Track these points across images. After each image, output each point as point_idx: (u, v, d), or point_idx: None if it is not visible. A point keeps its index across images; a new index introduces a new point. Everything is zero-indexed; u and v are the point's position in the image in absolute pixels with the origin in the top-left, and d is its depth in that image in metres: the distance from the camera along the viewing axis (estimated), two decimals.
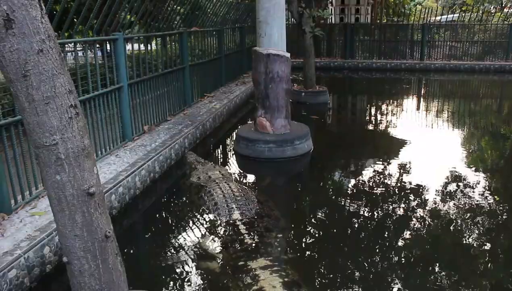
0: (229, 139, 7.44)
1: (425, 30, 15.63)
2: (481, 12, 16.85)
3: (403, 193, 4.90)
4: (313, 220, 4.34)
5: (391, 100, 11.43)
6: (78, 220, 1.95)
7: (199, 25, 9.02)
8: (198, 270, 3.37)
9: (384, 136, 7.69)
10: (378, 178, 5.37)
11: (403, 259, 3.56)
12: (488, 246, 3.73)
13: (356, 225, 4.18)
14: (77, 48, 4.86)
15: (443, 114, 9.41)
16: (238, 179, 5.34)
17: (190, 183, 4.95)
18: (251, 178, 5.65)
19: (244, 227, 3.80)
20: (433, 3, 24.80)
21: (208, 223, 4.07)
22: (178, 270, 3.38)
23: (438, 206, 4.52)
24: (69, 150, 1.85)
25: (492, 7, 19.61)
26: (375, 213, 4.41)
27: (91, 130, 4.75)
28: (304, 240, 3.89)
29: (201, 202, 4.41)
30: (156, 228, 4.27)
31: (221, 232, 3.84)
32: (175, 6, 7.95)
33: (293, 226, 4.18)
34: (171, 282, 3.25)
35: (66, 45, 5.63)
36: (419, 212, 4.39)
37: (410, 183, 5.14)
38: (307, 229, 4.11)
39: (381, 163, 5.98)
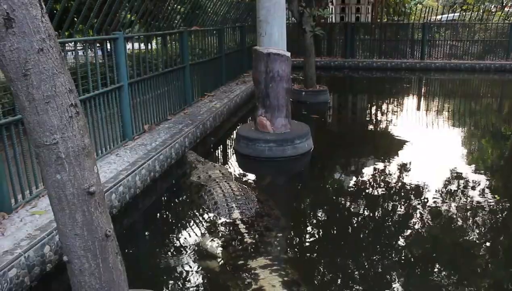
0: (229, 138, 7.44)
1: (425, 29, 15.62)
2: (481, 11, 16.84)
3: (403, 192, 4.90)
4: (313, 219, 4.35)
5: (392, 100, 11.43)
6: (79, 219, 1.95)
7: (200, 24, 9.02)
8: (198, 269, 3.37)
9: (384, 136, 7.69)
10: (379, 177, 5.37)
11: (403, 259, 3.57)
12: (488, 246, 3.73)
13: (356, 225, 4.18)
14: (78, 47, 4.86)
15: (443, 114, 9.41)
16: (238, 178, 5.34)
17: (190, 182, 4.96)
18: (251, 177, 5.65)
19: (244, 226, 3.81)
20: (434, 2, 24.79)
21: (208, 222, 4.07)
22: (178, 269, 3.38)
23: (438, 205, 4.52)
24: (69, 149, 1.85)
25: (492, 6, 19.59)
26: (375, 212, 4.41)
27: (92, 129, 4.75)
28: (304, 239, 3.89)
29: (201, 201, 4.42)
30: (156, 227, 4.28)
31: (221, 231, 3.84)
32: (175, 5, 7.95)
33: (293, 225, 4.18)
34: (171, 281, 3.25)
35: (67, 44, 5.64)
36: (419, 211, 4.39)
37: (410, 183, 5.14)
38: (307, 229, 4.11)
39: (381, 162, 5.98)
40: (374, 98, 11.80)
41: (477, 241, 3.82)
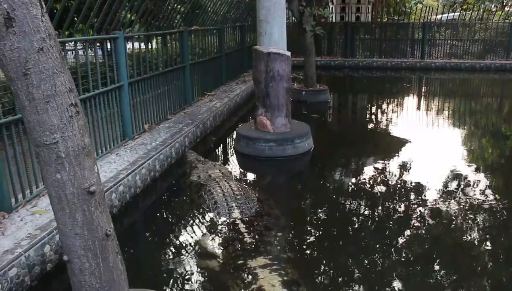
0: (229, 138, 7.44)
1: (425, 28, 15.61)
2: (481, 10, 16.83)
3: (403, 191, 4.90)
4: (313, 219, 4.35)
5: (392, 99, 11.43)
6: (79, 219, 1.95)
7: (200, 24, 9.01)
8: (198, 269, 3.37)
9: (384, 135, 7.69)
10: (379, 177, 5.37)
11: (403, 258, 3.56)
12: (488, 245, 3.73)
13: (356, 224, 4.18)
14: (78, 47, 4.86)
15: (443, 113, 9.40)
16: (238, 178, 5.34)
17: (190, 181, 4.96)
18: (251, 176, 5.65)
19: (244, 226, 3.81)
20: (434, 2, 24.77)
21: (208, 222, 4.07)
22: (177, 269, 3.38)
23: (438, 204, 4.52)
24: (69, 149, 1.86)
25: (493, 6, 19.59)
26: (375, 211, 4.41)
27: (92, 129, 4.75)
28: (303, 239, 3.89)
29: (201, 201, 4.42)
30: (156, 226, 4.28)
31: (221, 231, 3.85)
32: (175, 5, 7.95)
33: (293, 225, 4.18)
34: (171, 281, 3.25)
35: (67, 44, 5.63)
36: (420, 210, 4.39)
37: (411, 182, 5.14)
38: (307, 228, 4.11)
39: (381, 161, 5.98)
40: (374, 98, 11.80)
41: (478, 241, 3.82)
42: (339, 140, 7.49)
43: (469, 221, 4.19)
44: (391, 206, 4.54)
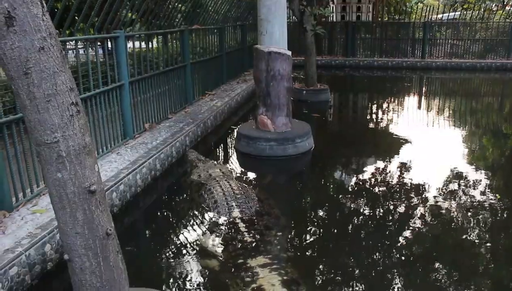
0: (230, 137, 7.44)
1: (426, 28, 15.59)
2: (482, 10, 16.81)
3: (404, 191, 4.90)
4: (313, 219, 4.35)
5: (393, 99, 11.42)
6: (79, 218, 1.95)
7: (200, 23, 9.01)
8: (198, 268, 3.37)
9: (385, 135, 7.68)
10: (379, 176, 5.37)
11: (403, 258, 3.57)
12: (489, 245, 3.73)
13: (357, 224, 4.18)
14: (78, 46, 4.86)
15: (444, 113, 9.40)
16: (239, 177, 5.34)
17: (190, 180, 4.96)
18: (251, 176, 5.65)
19: (244, 225, 3.81)
20: (435, 1, 24.73)
21: (208, 221, 4.07)
22: (177, 268, 3.38)
23: (439, 204, 4.52)
24: (70, 148, 1.86)
25: (493, 5, 19.55)
26: (375, 211, 4.41)
27: (92, 128, 4.75)
28: (303, 238, 3.89)
29: (201, 200, 4.42)
30: (156, 225, 4.28)
31: (221, 230, 3.85)
32: (176, 4, 7.95)
33: (293, 224, 4.18)
34: (171, 280, 3.25)
35: (67, 43, 5.62)
36: (420, 210, 4.39)
37: (411, 181, 5.14)
38: (307, 228, 4.11)
39: (382, 161, 5.98)
40: (375, 97, 11.79)
41: (478, 240, 3.82)
42: (339, 140, 7.49)
43: (470, 220, 4.19)
44: (392, 206, 4.54)
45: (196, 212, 4.32)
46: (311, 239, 3.89)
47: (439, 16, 17.95)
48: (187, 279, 3.25)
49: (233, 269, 3.26)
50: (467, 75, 14.65)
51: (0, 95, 4.19)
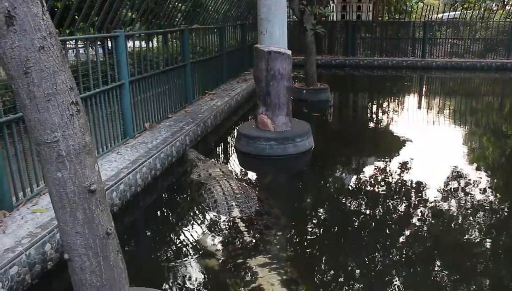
0: (230, 136, 7.44)
1: (426, 27, 15.59)
2: (483, 9, 16.81)
3: (404, 190, 4.90)
4: (313, 218, 4.35)
5: (393, 98, 11.42)
6: (79, 217, 1.95)
7: (201, 23, 9.01)
8: (197, 268, 3.37)
9: (385, 134, 7.68)
10: (380, 176, 5.37)
11: (403, 257, 3.57)
12: (489, 245, 3.73)
13: (357, 223, 4.18)
14: (78, 45, 4.86)
15: (444, 112, 9.39)
16: (239, 177, 5.34)
17: (190, 180, 4.96)
18: (251, 175, 5.65)
19: (244, 225, 3.81)
20: (435, 1, 24.73)
21: (207, 221, 4.07)
22: (177, 267, 3.38)
23: (439, 203, 4.52)
24: (70, 147, 1.86)
25: (494, 5, 19.55)
26: (375, 211, 4.41)
27: (92, 127, 4.75)
28: (303, 238, 3.89)
29: (201, 200, 4.42)
30: (156, 225, 4.28)
31: (221, 230, 3.85)
32: (176, 3, 7.95)
33: (293, 224, 4.17)
34: (171, 279, 3.25)
35: (67, 42, 5.62)
36: (420, 209, 4.39)
37: (412, 181, 5.14)
38: (307, 227, 4.11)
39: (382, 160, 5.97)
40: (375, 97, 11.79)
41: (478, 240, 3.82)
42: (339, 139, 7.49)
43: (470, 220, 4.19)
44: (392, 205, 4.54)
45: (196, 212, 4.32)
46: (311, 239, 3.89)
47: (439, 15, 17.95)
48: (187, 278, 3.25)
49: (232, 269, 3.26)
50: (467, 75, 14.65)
51: (0, 94, 4.19)
